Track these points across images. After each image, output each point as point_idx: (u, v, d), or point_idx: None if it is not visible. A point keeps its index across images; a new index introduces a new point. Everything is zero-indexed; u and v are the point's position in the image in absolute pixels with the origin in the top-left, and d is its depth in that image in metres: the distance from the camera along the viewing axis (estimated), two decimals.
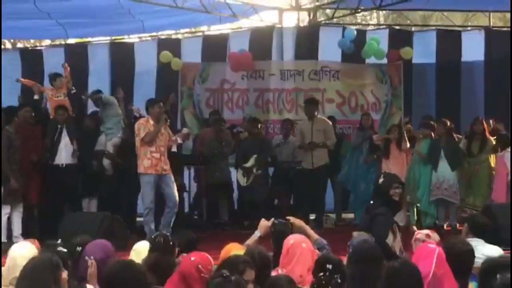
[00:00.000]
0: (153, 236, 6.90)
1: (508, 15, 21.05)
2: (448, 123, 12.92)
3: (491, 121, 13.60)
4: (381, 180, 7.56)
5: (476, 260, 5.67)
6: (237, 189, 13.83)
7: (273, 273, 5.75)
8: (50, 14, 15.20)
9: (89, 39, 17.41)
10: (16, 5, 14.28)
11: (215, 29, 17.87)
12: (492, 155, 12.82)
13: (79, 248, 6.06)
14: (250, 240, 6.82)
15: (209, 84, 15.13)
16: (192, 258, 5.45)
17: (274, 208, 13.60)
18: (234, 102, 15.13)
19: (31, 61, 16.62)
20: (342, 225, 13.68)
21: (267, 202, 13.78)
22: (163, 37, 17.25)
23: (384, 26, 19.36)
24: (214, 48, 16.29)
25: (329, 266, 5.08)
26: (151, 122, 11.33)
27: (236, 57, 14.90)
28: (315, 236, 6.85)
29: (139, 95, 15.30)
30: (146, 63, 16.20)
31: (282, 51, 16.31)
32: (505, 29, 17.79)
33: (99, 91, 13.28)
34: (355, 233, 7.31)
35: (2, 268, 5.82)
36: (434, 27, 18.10)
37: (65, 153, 11.91)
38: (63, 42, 18.02)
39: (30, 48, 20.10)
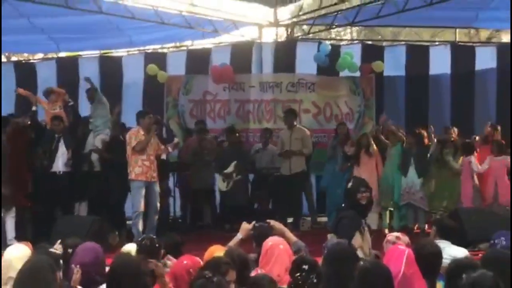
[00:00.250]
0: (140, 239, 6.89)
1: (472, 31, 21.25)
2: (421, 131, 12.99)
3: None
4: (349, 184, 7.56)
5: (443, 260, 5.70)
6: (219, 194, 13.82)
7: (253, 273, 5.76)
8: (43, 29, 15.22)
9: (80, 52, 17.34)
10: (12, 21, 14.28)
11: (198, 44, 17.87)
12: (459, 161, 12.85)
13: (70, 250, 6.04)
14: (232, 242, 6.81)
15: (193, 96, 15.11)
16: (185, 262, 5.47)
17: (254, 212, 13.60)
18: (216, 113, 15.10)
19: (25, 73, 16.55)
20: (317, 228, 13.67)
21: (247, 206, 13.81)
22: (149, 51, 17.18)
23: (357, 41, 19.41)
24: (198, 62, 16.26)
25: (305, 267, 5.08)
26: (142, 132, 11.42)
27: (218, 70, 14.89)
28: (294, 238, 6.84)
29: (127, 105, 15.22)
30: (133, 76, 16.16)
31: (262, 65, 16.32)
32: (469, 44, 17.89)
33: (94, 89, 13.28)
34: (329, 235, 7.31)
35: None
36: (403, 42, 18.13)
37: (61, 161, 11.92)
38: (55, 56, 17.94)
39: (23, 61, 19.99)
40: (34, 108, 13.13)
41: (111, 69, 16.33)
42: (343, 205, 7.66)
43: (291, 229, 8.08)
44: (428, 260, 5.42)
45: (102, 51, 17.08)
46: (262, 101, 15.12)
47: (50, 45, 16.41)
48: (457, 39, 17.62)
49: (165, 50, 17.40)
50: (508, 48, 17.05)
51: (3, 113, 13.05)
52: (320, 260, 5.49)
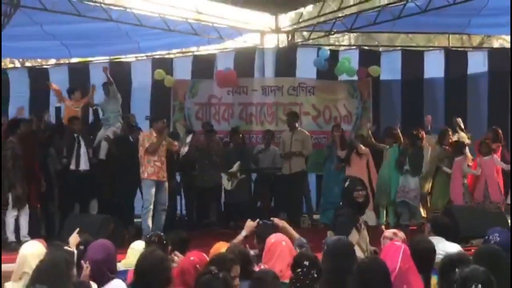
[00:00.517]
0: (148, 236, 6.89)
1: (465, 36, 21.24)
2: (419, 131, 13.02)
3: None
4: (346, 183, 7.55)
5: (437, 256, 5.70)
6: (223, 193, 13.83)
7: (256, 269, 5.77)
8: (55, 36, 15.28)
9: (90, 58, 17.38)
10: (26, 28, 14.37)
11: (204, 50, 17.90)
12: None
13: (81, 247, 6.05)
14: (237, 239, 6.84)
15: (198, 99, 15.10)
16: (192, 258, 5.47)
17: (257, 210, 13.62)
18: (221, 115, 15.10)
19: (38, 78, 16.53)
20: (317, 225, 13.67)
21: (250, 204, 13.81)
22: (157, 57, 17.21)
23: (354, 47, 19.38)
24: (203, 67, 16.27)
25: (306, 263, 5.08)
26: (154, 134, 11.49)
27: (222, 74, 14.89)
28: (296, 235, 6.86)
29: (135, 108, 15.29)
30: (141, 80, 16.18)
31: (264, 69, 16.35)
32: (462, 49, 17.88)
33: (111, 83, 13.42)
34: (329, 232, 7.30)
35: (13, 264, 5.82)
36: (399, 48, 18.12)
37: (84, 160, 11.97)
38: (66, 61, 17.97)
39: (37, 67, 20.03)
40: (58, 105, 13.25)
41: (120, 74, 16.26)
42: (341, 203, 7.66)
43: (292, 226, 8.07)
44: (422, 255, 5.42)
45: (112, 57, 17.10)
46: (264, 104, 15.11)
47: (62, 51, 16.44)
48: (450, 45, 17.63)
49: (171, 56, 17.44)
50: (499, 52, 17.14)
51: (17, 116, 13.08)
52: (320, 256, 5.49)
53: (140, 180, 11.60)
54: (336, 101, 15.18)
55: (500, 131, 13.06)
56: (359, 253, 6.64)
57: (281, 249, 6.02)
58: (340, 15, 16.49)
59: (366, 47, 18.56)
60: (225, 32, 16.73)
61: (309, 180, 14.46)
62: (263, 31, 17.30)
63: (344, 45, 22.55)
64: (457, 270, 4.63)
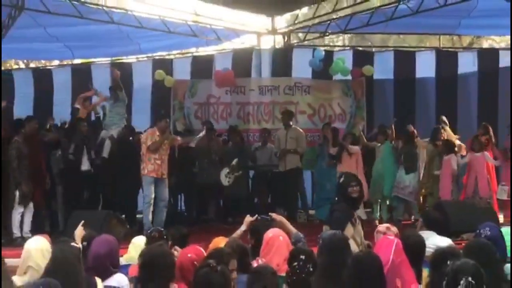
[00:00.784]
0: (149, 231, 6.90)
1: (455, 37, 21.25)
2: (412, 130, 13.09)
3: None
4: (341, 179, 7.55)
5: (428, 249, 5.71)
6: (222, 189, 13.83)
7: (254, 263, 5.78)
8: (59, 38, 15.26)
9: (93, 59, 17.37)
10: (30, 30, 14.35)
11: (202, 51, 17.90)
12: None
13: (85, 243, 6.04)
14: (236, 234, 6.85)
15: (197, 99, 15.11)
16: (189, 255, 5.46)
17: (254, 206, 13.63)
18: (219, 114, 15.10)
19: (42, 78, 16.57)
20: (313, 220, 13.68)
21: (248, 200, 13.82)
22: (157, 57, 17.21)
23: (348, 48, 19.42)
24: (202, 67, 16.29)
25: (302, 257, 5.08)
26: (157, 133, 11.59)
27: (220, 74, 14.91)
28: (294, 230, 6.86)
29: (136, 108, 15.31)
30: (142, 80, 16.17)
31: (261, 69, 16.36)
32: (452, 49, 17.89)
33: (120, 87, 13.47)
34: (325, 227, 7.31)
35: (18, 259, 5.82)
36: (392, 48, 18.13)
37: (87, 161, 12.02)
38: (70, 62, 17.98)
39: (41, 68, 20.01)
40: (77, 106, 13.31)
41: (122, 74, 16.27)
42: (336, 198, 7.66)
43: (289, 222, 8.08)
44: (413, 249, 5.43)
45: (113, 58, 17.07)
46: (261, 103, 15.11)
47: (66, 52, 16.44)
48: (441, 45, 17.60)
49: (171, 57, 17.42)
50: (488, 53, 17.15)
51: (21, 116, 13.07)
52: (316, 250, 5.50)
53: (141, 178, 11.63)
54: (331, 100, 15.18)
55: (489, 127, 13.09)
56: (354, 247, 6.66)
57: (278, 243, 6.03)
58: (334, 16, 16.51)
59: (359, 48, 18.62)
60: (223, 34, 16.72)
61: (304, 177, 14.46)
62: (260, 32, 17.30)
63: (338, 46, 22.57)
64: (448, 262, 4.67)
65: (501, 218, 11.33)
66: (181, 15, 16.31)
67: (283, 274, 5.26)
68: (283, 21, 18.76)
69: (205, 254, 5.46)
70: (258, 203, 14.17)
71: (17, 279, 5.37)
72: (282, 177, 13.53)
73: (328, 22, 16.40)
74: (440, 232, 6.95)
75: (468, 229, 8.64)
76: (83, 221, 6.72)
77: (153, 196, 11.50)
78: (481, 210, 10.79)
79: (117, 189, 12.66)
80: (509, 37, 23.05)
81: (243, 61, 16.22)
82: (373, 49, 18.06)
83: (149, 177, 11.49)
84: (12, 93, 16.13)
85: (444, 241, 6.50)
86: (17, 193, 11.07)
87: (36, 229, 10.82)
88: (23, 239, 9.26)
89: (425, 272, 5.33)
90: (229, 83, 14.85)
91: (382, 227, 6.63)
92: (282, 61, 16.30)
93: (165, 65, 16.07)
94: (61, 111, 14.66)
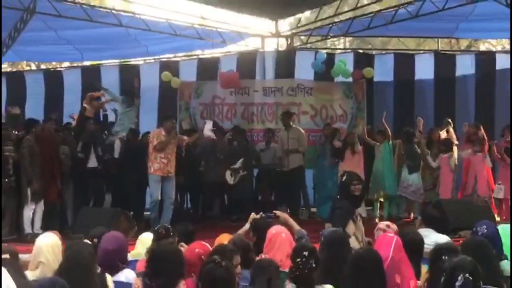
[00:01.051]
0: (156, 228, 6.90)
1: (453, 40, 21.23)
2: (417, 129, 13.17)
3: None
4: (343, 178, 7.54)
5: (427, 246, 5.72)
6: (227, 188, 13.83)
7: (257, 259, 5.78)
8: (69, 40, 15.32)
9: (102, 61, 17.39)
10: (41, 33, 14.42)
11: (208, 53, 17.86)
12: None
13: (95, 240, 6.05)
14: (242, 230, 6.86)
15: (203, 99, 15.09)
16: (196, 250, 5.46)
17: (258, 204, 13.63)
18: (224, 114, 15.08)
19: (53, 80, 16.58)
20: (315, 217, 13.68)
21: (252, 198, 13.82)
22: (164, 59, 17.22)
23: (349, 50, 19.40)
24: (207, 69, 16.28)
25: (305, 253, 5.07)
26: (163, 133, 11.57)
27: (225, 76, 14.89)
28: (297, 227, 6.86)
29: (144, 108, 15.29)
30: (150, 82, 16.14)
31: (264, 71, 16.32)
32: (450, 52, 17.87)
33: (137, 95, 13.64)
34: (327, 224, 7.31)
35: (30, 255, 5.83)
36: (391, 51, 18.11)
37: (94, 159, 11.99)
38: (79, 64, 17.99)
39: (52, 69, 20.01)
40: (86, 105, 13.34)
41: (129, 76, 16.33)
42: (338, 196, 7.66)
43: (292, 219, 8.08)
44: (411, 246, 5.44)
45: (122, 60, 17.09)
46: (265, 104, 15.09)
47: (75, 54, 16.49)
48: (440, 48, 17.58)
49: (178, 59, 17.43)
50: (485, 55, 17.11)
51: (35, 116, 13.09)
52: (318, 247, 5.50)
53: (148, 177, 11.69)
54: (332, 101, 15.14)
55: (480, 126, 13.14)
56: (355, 243, 6.68)
57: (281, 240, 6.03)
58: (336, 20, 16.51)
59: (360, 51, 18.60)
60: (228, 37, 16.74)
61: (306, 176, 14.46)
62: (264, 35, 17.29)
63: (340, 49, 22.54)
64: (444, 257, 4.69)
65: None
66: (187, 18, 16.35)
67: (286, 269, 5.27)
68: (286, 24, 18.74)
69: (211, 249, 5.48)
70: (261, 201, 14.16)
71: (29, 274, 5.39)
72: (285, 175, 13.49)
73: (330, 25, 16.41)
74: (439, 230, 6.95)
75: (465, 227, 8.62)
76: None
77: (159, 194, 11.50)
78: (478, 209, 10.79)
79: (125, 187, 12.67)
80: (505, 40, 23.17)
81: (247, 63, 16.20)
82: (374, 52, 18.02)
83: (156, 175, 11.48)
84: (24, 94, 16.17)
85: (442, 239, 6.50)
86: (29, 190, 11.08)
87: (47, 226, 10.83)
88: (34, 235, 9.26)
89: (424, 269, 5.33)
90: (234, 84, 14.84)
91: (382, 224, 6.64)
92: (285, 63, 16.28)
93: (172, 67, 16.06)
94: (71, 111, 14.65)
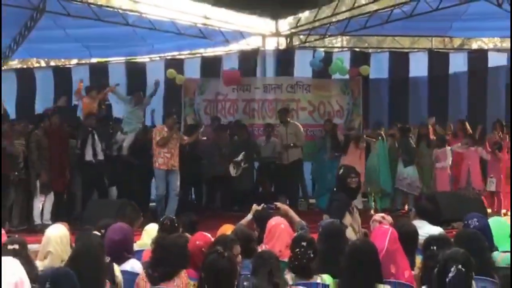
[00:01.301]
0: (161, 219, 6.90)
1: (446, 39, 21.21)
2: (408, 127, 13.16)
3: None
4: (340, 171, 7.53)
5: (420, 237, 5.71)
6: (230, 180, 13.82)
7: (258, 249, 5.77)
8: (77, 38, 15.31)
9: (109, 59, 17.36)
10: (51, 31, 14.42)
11: (211, 51, 17.87)
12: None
13: (102, 231, 6.04)
14: (244, 221, 6.87)
15: (206, 96, 15.09)
16: (197, 242, 5.45)
17: (258, 195, 13.62)
18: (226, 110, 15.07)
19: (62, 76, 16.56)
20: (313, 208, 13.68)
21: (253, 190, 13.83)
22: (169, 57, 17.21)
23: (346, 49, 19.35)
24: (210, 67, 16.30)
25: (304, 243, 5.07)
26: (165, 129, 11.63)
27: (228, 74, 14.90)
28: (297, 218, 6.86)
29: (150, 104, 15.26)
30: (155, 79, 16.13)
31: (265, 69, 16.34)
32: (444, 50, 17.85)
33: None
34: (325, 216, 7.30)
35: (39, 245, 5.82)
36: (387, 49, 18.11)
37: (93, 151, 11.91)
38: (88, 62, 17.97)
39: (60, 66, 20.02)
40: (76, 102, 13.28)
41: (136, 73, 16.35)
42: (335, 189, 7.64)
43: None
44: (406, 237, 5.44)
45: (128, 58, 17.08)
46: (266, 100, 15.07)
47: (84, 52, 16.50)
48: (433, 46, 17.57)
49: (182, 57, 17.42)
50: (478, 53, 17.13)
51: (42, 111, 13.09)
52: (316, 237, 5.49)
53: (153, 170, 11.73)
54: (330, 98, 15.13)
55: (466, 123, 13.23)
56: (351, 234, 6.66)
57: (280, 231, 6.03)
58: (333, 20, 16.48)
59: (357, 49, 18.62)
60: (230, 36, 16.73)
61: (304, 168, 14.45)
62: (264, 34, 17.27)
63: (337, 47, 22.45)
64: (432, 248, 4.69)
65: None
66: (191, 18, 16.35)
67: (286, 259, 5.26)
68: (286, 24, 18.73)
69: (212, 239, 5.47)
70: (262, 192, 14.16)
71: (38, 263, 5.38)
72: (285, 168, 13.52)
73: (328, 25, 16.39)
74: (432, 222, 6.94)
75: (458, 218, 8.58)
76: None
77: (164, 189, 11.58)
78: (470, 201, 10.77)
79: (131, 179, 12.66)
80: (497, 38, 23.15)
81: (248, 61, 16.22)
82: (370, 50, 18.03)
83: (160, 170, 11.55)
84: (34, 89, 16.17)
85: (435, 230, 6.49)
86: (38, 183, 11.07)
87: (56, 217, 10.83)
88: (44, 226, 9.24)
89: (418, 259, 5.32)
90: (236, 81, 14.83)
91: (377, 216, 6.63)
92: (285, 61, 16.29)
93: (177, 64, 16.05)
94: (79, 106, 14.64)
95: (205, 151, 13.51)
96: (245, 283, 4.59)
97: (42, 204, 11.14)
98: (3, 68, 16.49)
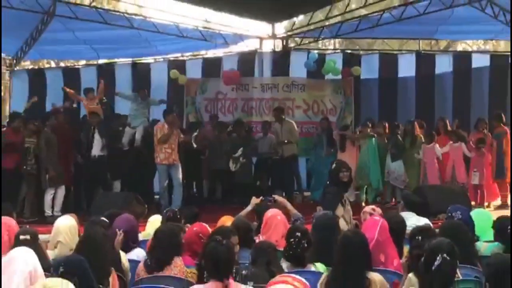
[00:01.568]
0: (164, 211, 6.91)
1: (433, 41, 21.20)
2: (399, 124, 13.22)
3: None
4: (333, 166, 7.55)
5: (409, 229, 5.72)
6: (230, 174, 13.82)
7: (256, 239, 5.79)
8: (86, 41, 15.29)
9: (116, 60, 17.33)
10: (60, 34, 14.42)
11: (212, 53, 17.81)
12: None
13: (107, 220, 6.04)
14: (243, 212, 6.89)
15: (207, 95, 15.09)
16: (195, 229, 5.49)
17: (256, 188, 13.61)
18: (226, 108, 15.08)
19: (71, 76, 16.50)
20: (307, 201, 13.68)
21: (251, 183, 13.81)
22: (172, 59, 17.19)
23: (339, 51, 19.35)
24: (211, 67, 16.26)
25: (298, 234, 5.09)
26: (166, 126, 11.70)
27: (227, 74, 14.91)
28: (294, 210, 6.89)
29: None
30: (159, 78, 16.11)
31: (262, 70, 16.29)
32: (431, 52, 17.84)
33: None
34: (319, 208, 7.31)
35: (49, 235, 5.83)
36: (377, 51, 18.07)
37: (97, 147, 11.88)
38: (95, 63, 17.94)
39: (70, 67, 19.98)
40: (75, 105, 13.25)
41: (141, 73, 16.33)
42: (328, 182, 7.65)
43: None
44: (394, 228, 5.45)
45: (134, 59, 17.04)
46: (263, 99, 15.08)
47: (92, 53, 16.47)
48: (421, 48, 17.53)
49: (185, 58, 17.42)
50: (462, 55, 17.14)
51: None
52: (310, 228, 5.50)
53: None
54: (323, 97, 15.13)
55: (446, 121, 13.24)
56: (343, 225, 6.69)
57: (276, 222, 6.05)
58: (326, 24, 16.47)
59: (348, 51, 18.57)
60: (230, 38, 16.70)
61: (300, 163, 14.46)
62: (262, 37, 17.24)
63: (330, 49, 22.40)
64: (417, 238, 4.71)
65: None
66: (193, 21, 16.34)
67: (281, 249, 5.27)
68: (282, 27, 18.74)
69: (208, 228, 5.52)
70: (259, 185, 14.15)
71: (48, 252, 5.39)
72: (281, 163, 13.53)
73: (321, 28, 16.38)
74: (419, 213, 6.95)
75: (444, 210, 8.58)
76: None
77: (166, 181, 11.70)
78: (456, 194, 10.78)
79: (136, 173, 12.66)
80: (480, 41, 23.14)
81: (247, 62, 16.19)
82: (361, 52, 17.98)
83: (162, 165, 11.65)
84: (44, 89, 16.14)
85: (422, 221, 6.50)
86: (47, 177, 11.09)
87: (65, 209, 10.83)
88: (54, 218, 9.25)
89: (406, 249, 5.33)
90: (235, 81, 14.85)
91: (368, 208, 6.65)
92: (281, 62, 16.25)
93: (179, 65, 16.01)
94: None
95: (207, 148, 13.53)
96: (243, 272, 4.61)
97: (52, 196, 11.13)
98: (16, 68, 16.54)
